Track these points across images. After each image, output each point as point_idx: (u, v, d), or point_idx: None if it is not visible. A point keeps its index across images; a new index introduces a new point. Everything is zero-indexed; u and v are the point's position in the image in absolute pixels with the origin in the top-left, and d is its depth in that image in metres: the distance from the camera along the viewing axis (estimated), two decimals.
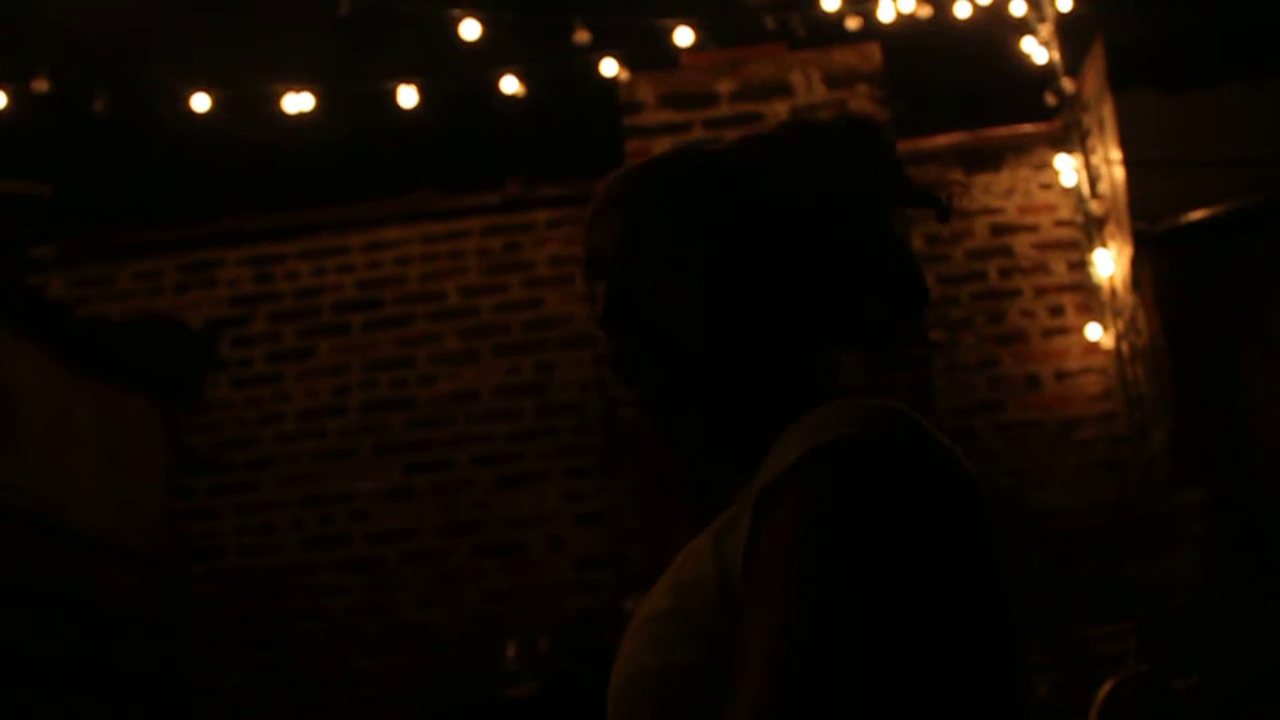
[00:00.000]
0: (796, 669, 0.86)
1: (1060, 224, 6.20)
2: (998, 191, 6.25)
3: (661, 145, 4.74)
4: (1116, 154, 5.71)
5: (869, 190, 1.17)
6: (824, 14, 5.79)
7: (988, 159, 6.28)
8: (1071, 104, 6.14)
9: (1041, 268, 6.17)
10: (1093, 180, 6.04)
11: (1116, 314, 5.93)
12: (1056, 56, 6.05)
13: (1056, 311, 6.13)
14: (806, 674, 0.85)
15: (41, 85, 5.56)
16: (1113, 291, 5.95)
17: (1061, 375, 6.07)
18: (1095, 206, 6.02)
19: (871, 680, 0.85)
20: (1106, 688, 4.43)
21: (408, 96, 5.88)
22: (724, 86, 4.95)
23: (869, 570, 0.88)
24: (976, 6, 5.86)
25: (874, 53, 5.01)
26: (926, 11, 5.85)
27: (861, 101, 4.83)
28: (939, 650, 0.88)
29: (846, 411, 0.98)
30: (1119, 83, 5.71)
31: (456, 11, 5.67)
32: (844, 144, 1.18)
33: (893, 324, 1.17)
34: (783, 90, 4.90)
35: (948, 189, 1.21)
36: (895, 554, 0.89)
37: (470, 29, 5.67)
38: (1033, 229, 6.22)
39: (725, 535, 1.03)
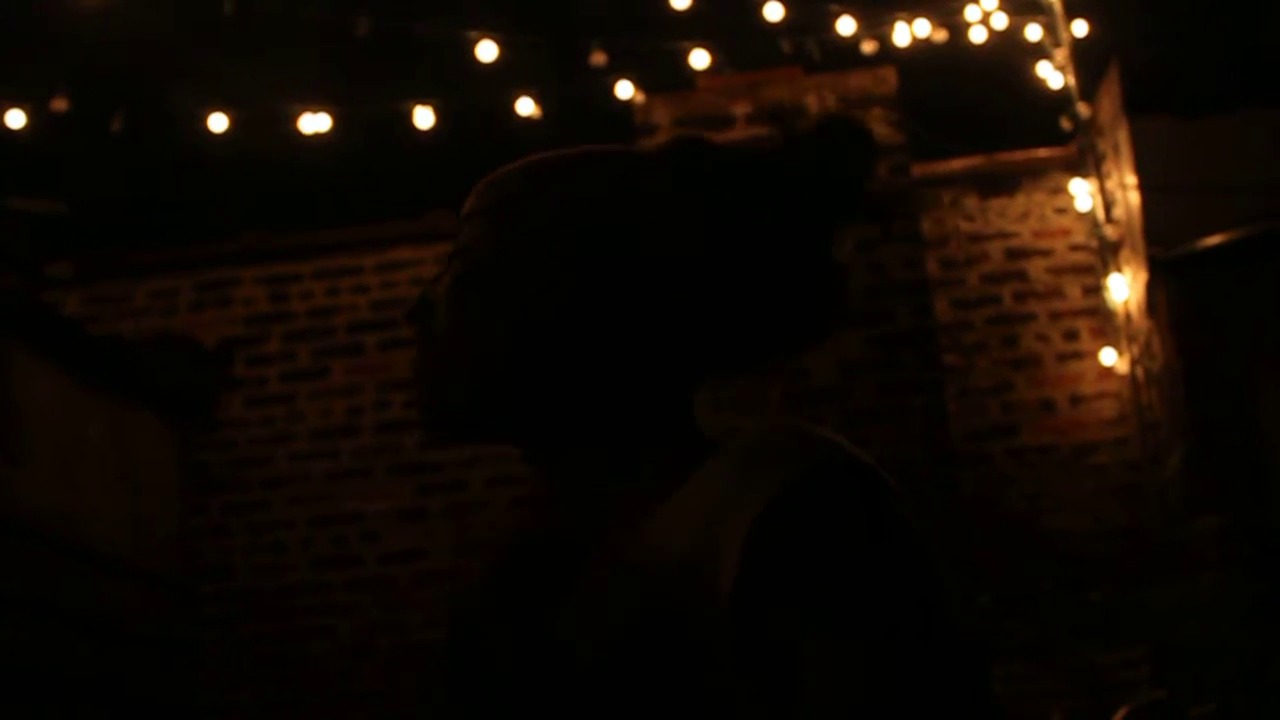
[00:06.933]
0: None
1: (1075, 248, 6.19)
2: (1012, 216, 6.25)
3: None
4: (1131, 179, 5.70)
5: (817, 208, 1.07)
6: (840, 38, 5.81)
7: (1003, 183, 6.27)
8: (1087, 129, 6.13)
9: (1056, 292, 6.16)
10: (1108, 205, 6.04)
11: (1131, 339, 5.92)
12: (1072, 81, 6.05)
13: (1071, 336, 6.12)
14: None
15: (60, 104, 5.59)
16: (1127, 316, 5.94)
17: (1076, 400, 6.05)
18: (1110, 231, 6.01)
19: (927, 685, 0.90)
20: (1120, 715, 4.40)
21: (424, 117, 5.90)
22: (739, 109, 4.96)
23: (907, 602, 0.92)
24: (992, 31, 5.87)
25: (889, 76, 5.02)
26: (942, 36, 5.86)
27: (877, 125, 4.84)
28: (957, 654, 0.92)
29: (801, 438, 0.96)
30: (1134, 108, 5.71)
31: (473, 33, 5.69)
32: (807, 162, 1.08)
33: (768, 354, 1.10)
34: (798, 113, 4.91)
35: (892, 209, 1.14)
36: (920, 581, 0.93)
37: (487, 51, 5.69)
38: (1047, 253, 6.21)
39: (672, 559, 0.98)
